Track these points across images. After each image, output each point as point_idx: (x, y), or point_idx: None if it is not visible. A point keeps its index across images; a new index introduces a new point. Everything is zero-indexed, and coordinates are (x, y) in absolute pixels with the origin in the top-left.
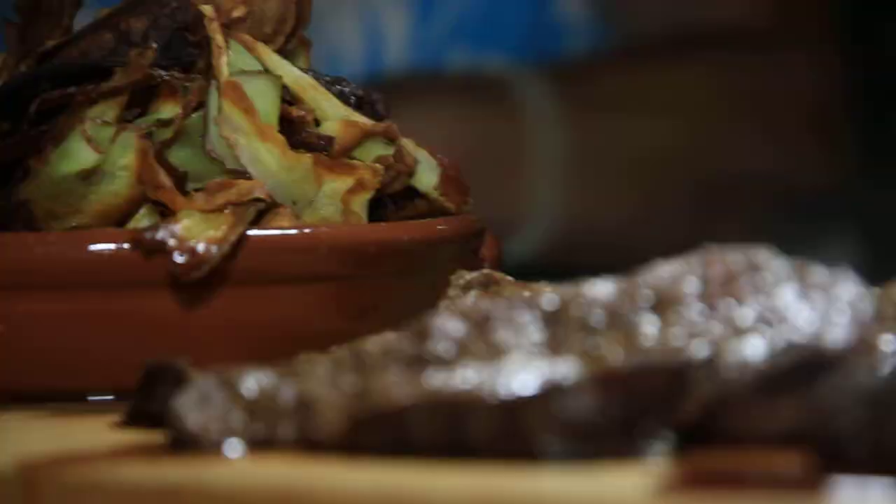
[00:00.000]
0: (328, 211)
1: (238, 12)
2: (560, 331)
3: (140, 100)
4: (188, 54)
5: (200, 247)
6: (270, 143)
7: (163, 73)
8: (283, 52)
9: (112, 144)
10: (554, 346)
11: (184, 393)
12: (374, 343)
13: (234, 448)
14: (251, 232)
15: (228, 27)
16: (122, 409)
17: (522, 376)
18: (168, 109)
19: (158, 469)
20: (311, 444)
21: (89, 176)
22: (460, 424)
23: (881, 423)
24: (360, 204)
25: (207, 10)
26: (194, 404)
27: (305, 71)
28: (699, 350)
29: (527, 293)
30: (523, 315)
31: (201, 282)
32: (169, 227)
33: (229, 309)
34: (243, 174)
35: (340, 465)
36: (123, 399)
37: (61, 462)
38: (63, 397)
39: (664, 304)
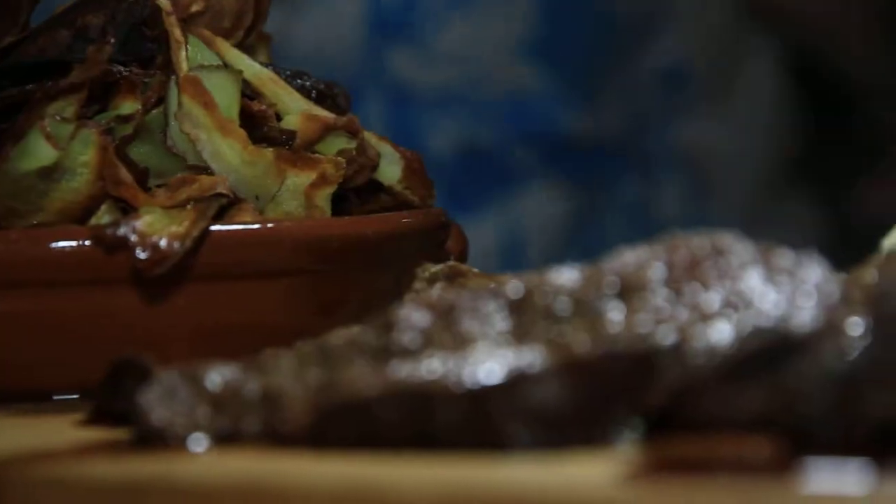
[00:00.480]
0: (291, 205)
1: (196, 7)
2: (525, 319)
3: (99, 96)
4: (146, 49)
5: (163, 242)
6: (231, 138)
7: (121, 68)
8: (243, 47)
9: (72, 141)
10: (519, 334)
11: (148, 388)
12: (339, 336)
13: (199, 443)
14: (214, 227)
15: (186, 22)
16: (87, 408)
17: (488, 365)
18: (128, 105)
19: (123, 465)
20: (277, 437)
21: (50, 173)
22: (427, 415)
23: (849, 405)
24: (323, 198)
25: (165, 4)
26: (159, 399)
27: (265, 65)
28: (665, 336)
29: (492, 284)
30: (488, 304)
31: (164, 278)
32: (131, 224)
33: (193, 305)
34: (205, 169)
35: (307, 458)
36: (89, 398)
37: (25, 460)
38: (28, 397)
39: (629, 291)
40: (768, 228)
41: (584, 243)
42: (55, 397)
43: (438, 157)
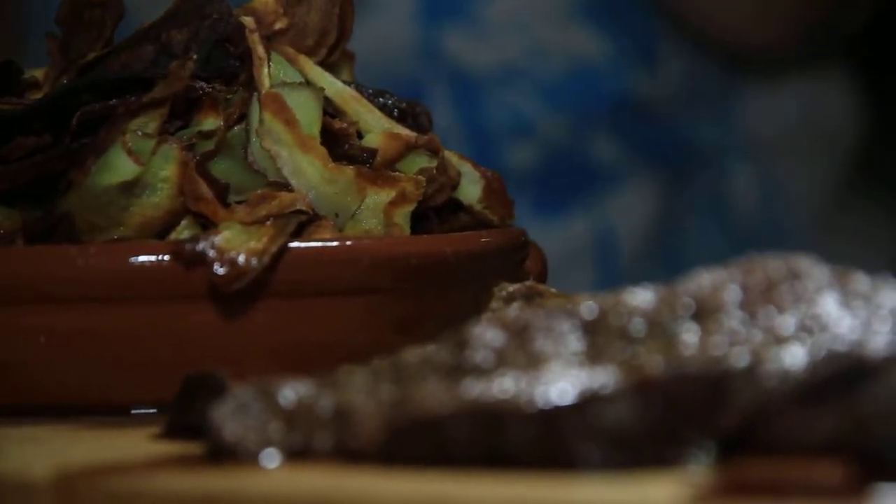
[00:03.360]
0: (370, 223)
1: (280, 24)
2: (599, 340)
3: (181, 112)
4: (229, 66)
5: (241, 258)
6: (312, 155)
7: (204, 84)
8: (326, 65)
9: (153, 156)
10: (593, 355)
11: (222, 403)
12: (413, 353)
13: (271, 458)
14: (292, 244)
15: (270, 39)
16: (163, 422)
17: (561, 385)
18: (209, 121)
19: (196, 479)
20: (348, 453)
21: (130, 188)
22: (498, 433)
23: None
24: (402, 216)
25: (248, 21)
26: (232, 414)
27: (348, 83)
28: (739, 358)
29: (569, 304)
30: (562, 324)
31: (242, 293)
32: (210, 239)
33: (270, 321)
34: (285, 186)
35: (378, 475)
36: (166, 412)
37: (99, 472)
38: (105, 410)
39: (704, 313)
40: (839, 237)
41: (668, 240)
42: (133, 411)
43: (505, 138)
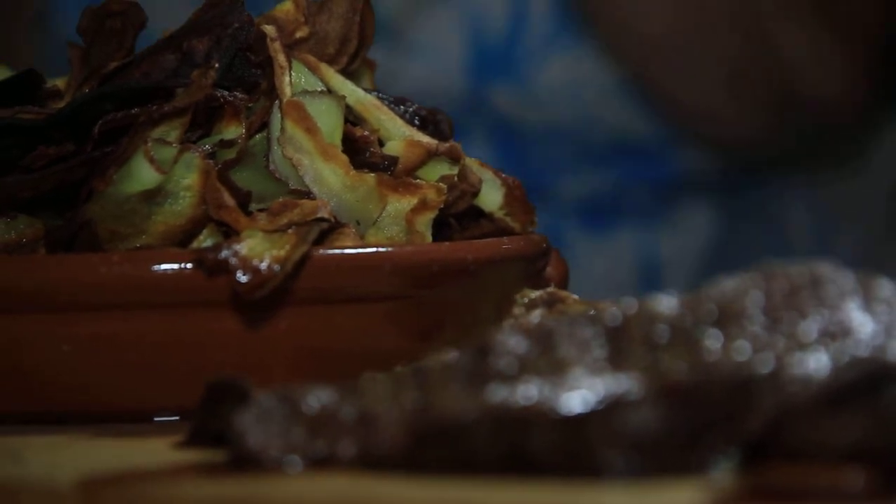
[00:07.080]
0: (392, 231)
1: (301, 33)
2: (623, 346)
3: (203, 121)
4: (251, 75)
5: (264, 266)
6: (334, 163)
7: (225, 93)
8: (347, 73)
9: (175, 165)
10: (617, 361)
11: (245, 410)
12: (435, 360)
13: (294, 465)
14: (315, 252)
15: (291, 48)
16: (186, 430)
17: (584, 391)
18: (231, 130)
19: (219, 486)
20: (372, 460)
21: (152, 196)
22: (522, 439)
23: None
24: (424, 223)
25: (270, 30)
26: (255, 421)
27: (369, 91)
28: (763, 364)
29: (591, 310)
30: (586, 331)
31: (264, 301)
32: (232, 247)
33: (293, 328)
34: (307, 194)
35: (402, 481)
36: (189, 420)
37: (123, 479)
38: (128, 418)
39: (727, 319)
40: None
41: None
42: (155, 419)
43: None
